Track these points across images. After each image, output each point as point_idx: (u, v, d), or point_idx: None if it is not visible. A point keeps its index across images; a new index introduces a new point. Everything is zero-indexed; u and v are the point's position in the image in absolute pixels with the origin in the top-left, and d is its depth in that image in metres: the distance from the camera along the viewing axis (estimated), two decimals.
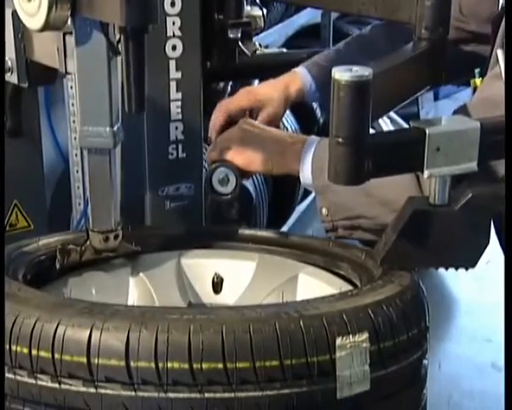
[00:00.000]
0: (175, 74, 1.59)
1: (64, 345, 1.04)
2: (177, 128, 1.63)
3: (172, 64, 1.59)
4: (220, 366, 1.04)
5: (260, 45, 1.96)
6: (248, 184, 2.33)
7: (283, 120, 2.98)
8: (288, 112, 2.97)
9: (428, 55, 1.31)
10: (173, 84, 1.60)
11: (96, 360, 1.03)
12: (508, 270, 0.84)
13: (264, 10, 1.85)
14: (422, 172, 1.15)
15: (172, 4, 1.55)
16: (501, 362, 2.48)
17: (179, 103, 1.61)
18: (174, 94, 1.60)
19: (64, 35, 1.29)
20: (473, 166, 1.16)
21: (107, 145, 1.30)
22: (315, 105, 3.10)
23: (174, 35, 1.57)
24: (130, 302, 1.42)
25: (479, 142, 1.15)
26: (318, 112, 3.07)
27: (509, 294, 0.86)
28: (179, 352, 1.03)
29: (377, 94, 1.10)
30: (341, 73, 1.07)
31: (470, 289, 2.81)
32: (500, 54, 1.23)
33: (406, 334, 1.13)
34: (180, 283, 1.47)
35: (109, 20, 1.18)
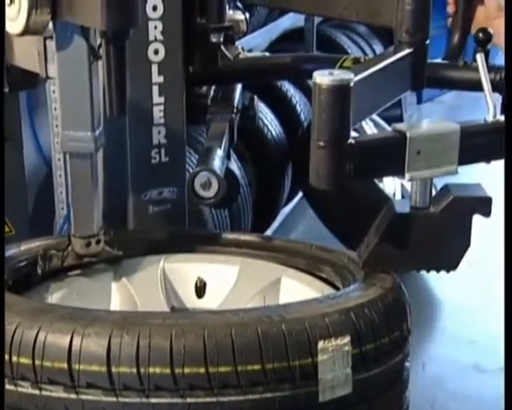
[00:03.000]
0: (157, 78, 1.59)
1: (45, 351, 1.03)
2: (159, 132, 1.63)
3: (155, 68, 1.58)
4: (202, 370, 1.03)
5: (243, 49, 1.96)
6: (234, 167, 2.31)
7: (266, 122, 3.01)
8: (271, 115, 3.00)
9: (409, 59, 1.32)
10: (156, 89, 1.60)
11: (77, 366, 1.03)
12: (508, 270, 0.85)
13: (248, 14, 1.85)
14: (403, 175, 1.16)
15: (154, 8, 1.55)
16: (484, 364, 2.50)
17: (162, 107, 1.61)
18: (157, 98, 1.60)
19: (45, 39, 1.29)
20: (453, 169, 1.17)
21: (88, 150, 1.30)
22: (299, 109, 3.12)
23: (156, 39, 1.57)
24: (112, 307, 1.41)
25: (459, 145, 1.16)
26: (302, 115, 3.08)
27: (509, 295, 0.87)
28: (161, 357, 1.03)
29: (358, 98, 1.11)
30: (322, 77, 1.08)
31: (454, 290, 2.83)
32: (479, 58, 1.24)
33: (388, 337, 1.14)
34: (163, 287, 1.46)
35: (90, 25, 1.18)
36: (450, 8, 1.66)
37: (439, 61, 1.71)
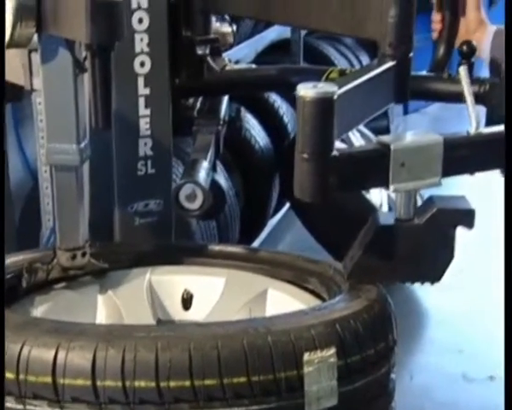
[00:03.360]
0: (143, 90, 1.59)
1: (29, 365, 1.03)
2: (145, 144, 1.63)
3: (141, 80, 1.59)
4: (188, 383, 1.03)
5: (230, 61, 1.96)
6: (220, 179, 2.30)
7: (254, 133, 3.02)
8: (258, 126, 3.01)
9: (393, 72, 1.33)
10: (142, 101, 1.60)
11: (62, 380, 1.02)
12: (507, 272, 0.85)
13: (234, 27, 1.85)
14: (388, 187, 1.16)
15: (140, 21, 1.55)
16: (472, 373, 2.50)
17: (148, 119, 1.61)
18: (143, 110, 1.61)
19: (29, 52, 1.29)
20: (437, 180, 1.18)
21: (73, 162, 1.30)
22: (286, 120, 3.13)
23: (142, 51, 1.57)
24: (98, 320, 1.41)
25: (442, 157, 1.17)
26: (289, 126, 3.09)
27: (509, 296, 0.87)
28: (146, 370, 1.03)
29: (342, 110, 1.11)
30: (306, 90, 1.08)
31: (441, 299, 2.84)
32: (462, 71, 1.25)
33: (373, 348, 1.14)
34: (149, 300, 1.46)
35: (75, 38, 1.18)
36: (436, 25, 1.67)
37: (424, 73, 1.73)
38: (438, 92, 1.67)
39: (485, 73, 1.67)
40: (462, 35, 1.65)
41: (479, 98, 1.27)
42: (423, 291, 2.92)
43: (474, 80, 1.55)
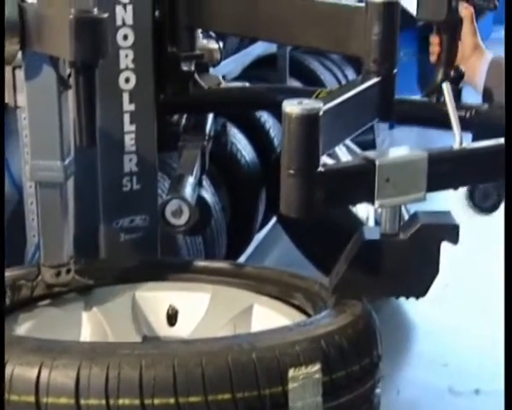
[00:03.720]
0: (128, 106, 1.59)
1: (12, 384, 1.02)
2: (131, 160, 1.63)
3: (126, 96, 1.59)
4: (172, 400, 1.03)
5: (224, 78, 1.97)
6: (206, 194, 2.30)
7: (240, 148, 3.02)
8: (245, 141, 3.01)
9: (377, 88, 1.33)
10: (127, 117, 1.60)
11: (45, 399, 1.01)
12: (508, 275, 0.85)
13: (221, 43, 1.85)
14: (373, 202, 1.17)
15: (125, 37, 1.55)
16: (458, 387, 2.51)
17: (133, 135, 1.61)
18: (128, 126, 1.61)
19: (13, 69, 1.29)
20: (421, 195, 1.18)
21: (57, 179, 1.30)
22: (272, 134, 3.14)
23: (127, 67, 1.57)
24: (83, 338, 1.40)
25: (427, 172, 1.17)
26: (276, 141, 3.10)
27: (509, 299, 0.87)
28: (130, 388, 1.02)
29: (327, 126, 1.12)
30: (291, 107, 1.09)
31: (428, 312, 2.85)
32: (445, 87, 1.26)
33: (358, 364, 1.14)
34: (134, 316, 1.45)
35: (59, 55, 1.18)
36: (435, 48, 1.66)
37: (417, 98, 1.73)
38: (428, 118, 1.67)
39: (471, 99, 1.68)
40: (457, 60, 1.64)
41: (464, 123, 1.27)
42: (410, 304, 2.93)
43: (461, 106, 1.57)
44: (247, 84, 2.10)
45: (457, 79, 1.59)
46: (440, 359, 2.65)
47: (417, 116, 1.71)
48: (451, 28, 1.62)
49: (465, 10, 1.64)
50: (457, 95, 1.61)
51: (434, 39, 1.64)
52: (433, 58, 1.67)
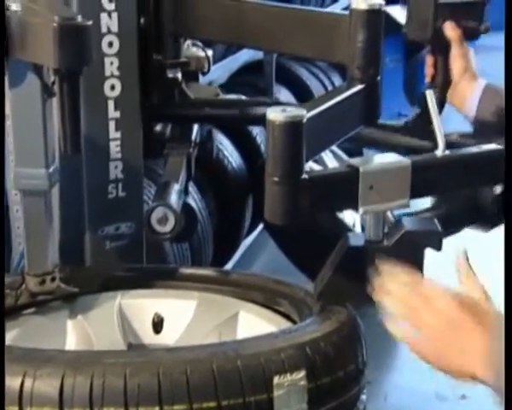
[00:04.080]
0: (114, 114, 1.59)
1: None
2: (116, 167, 1.62)
3: (111, 104, 1.59)
4: (157, 409, 1.03)
5: (210, 84, 1.96)
6: (192, 201, 2.29)
7: (227, 154, 3.02)
8: (231, 148, 3.01)
9: (362, 95, 1.34)
10: (112, 124, 1.60)
11: (29, 409, 1.01)
12: (508, 273, 0.85)
13: (210, 51, 1.85)
14: (357, 209, 1.17)
15: (110, 45, 1.55)
16: (445, 392, 2.51)
17: (118, 142, 1.61)
18: (113, 133, 1.60)
19: None
20: (405, 202, 1.19)
21: (42, 187, 1.29)
22: (259, 140, 3.14)
23: (112, 75, 1.57)
24: (68, 346, 1.39)
25: (410, 179, 1.18)
26: (262, 146, 3.10)
27: (509, 296, 0.87)
28: (115, 396, 1.02)
29: (312, 133, 1.12)
30: (275, 114, 1.09)
31: None
32: (428, 95, 1.26)
33: (343, 370, 1.14)
34: (120, 324, 1.45)
35: (43, 62, 1.18)
36: (429, 70, 1.56)
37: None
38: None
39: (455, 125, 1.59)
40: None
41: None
42: None
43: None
44: (243, 97, 2.08)
45: (439, 106, 1.52)
46: (427, 364, 2.65)
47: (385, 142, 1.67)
48: (443, 50, 1.53)
49: (452, 32, 1.51)
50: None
51: (428, 60, 1.57)
52: (427, 79, 1.58)
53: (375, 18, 1.32)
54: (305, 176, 1.12)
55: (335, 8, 3.95)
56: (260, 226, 3.25)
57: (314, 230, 2.58)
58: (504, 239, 0.87)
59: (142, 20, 1.60)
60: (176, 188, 1.57)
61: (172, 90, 1.64)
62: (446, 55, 1.55)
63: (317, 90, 3.66)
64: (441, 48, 1.55)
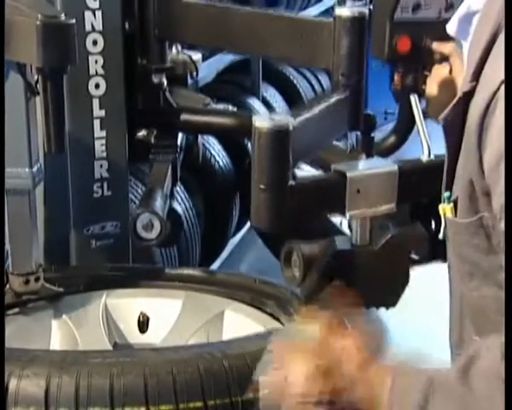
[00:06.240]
0: (99, 112, 1.58)
1: None
2: (101, 166, 1.61)
3: (96, 102, 1.58)
4: (143, 409, 1.02)
5: (197, 83, 1.94)
6: (178, 206, 2.27)
7: (214, 153, 3.01)
8: (219, 146, 3.00)
9: (346, 101, 1.33)
10: (97, 123, 1.59)
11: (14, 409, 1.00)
12: (508, 280, 0.85)
13: (199, 55, 1.83)
14: (344, 214, 1.17)
15: (94, 43, 1.54)
16: None
17: (104, 141, 1.60)
18: (98, 132, 1.59)
19: None
20: (392, 207, 1.19)
21: (26, 186, 1.28)
22: (246, 140, 3.13)
23: (97, 73, 1.56)
24: (52, 346, 1.39)
25: (397, 184, 1.18)
26: (250, 145, 3.09)
27: (509, 297, 0.87)
28: (101, 397, 1.02)
29: (298, 140, 1.11)
30: (262, 121, 1.08)
31: (400, 317, 2.86)
32: (413, 99, 1.25)
33: None
34: (105, 324, 1.44)
35: (26, 61, 1.17)
36: (397, 85, 1.53)
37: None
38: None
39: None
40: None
41: None
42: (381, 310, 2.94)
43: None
44: (230, 108, 2.04)
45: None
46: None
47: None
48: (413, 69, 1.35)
49: (449, 48, 1.44)
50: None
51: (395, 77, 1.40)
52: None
53: (359, 24, 1.32)
54: (291, 182, 1.11)
55: (320, 8, 3.95)
56: (248, 225, 3.25)
57: (302, 229, 2.58)
58: (504, 239, 0.87)
59: (127, 25, 1.58)
60: (161, 194, 1.56)
61: (157, 96, 1.62)
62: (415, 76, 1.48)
63: (304, 88, 3.66)
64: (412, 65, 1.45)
